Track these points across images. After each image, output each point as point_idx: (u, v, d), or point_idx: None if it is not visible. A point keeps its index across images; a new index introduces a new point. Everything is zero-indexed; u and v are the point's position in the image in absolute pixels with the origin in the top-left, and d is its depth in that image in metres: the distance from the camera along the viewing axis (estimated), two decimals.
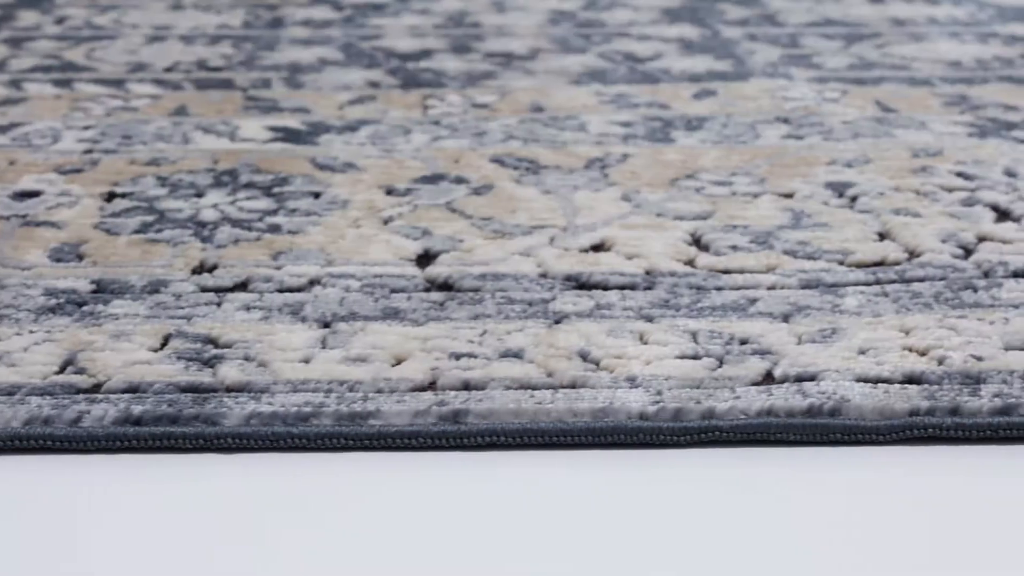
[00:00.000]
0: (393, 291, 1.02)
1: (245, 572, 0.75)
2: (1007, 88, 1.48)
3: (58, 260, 1.07)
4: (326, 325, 0.97)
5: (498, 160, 1.27)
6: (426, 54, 1.62)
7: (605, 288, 1.03)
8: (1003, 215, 1.16)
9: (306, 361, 0.92)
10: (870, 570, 0.76)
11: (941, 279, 1.03)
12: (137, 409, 0.86)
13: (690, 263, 1.07)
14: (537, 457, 0.85)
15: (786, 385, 0.89)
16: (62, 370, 0.91)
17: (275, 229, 1.13)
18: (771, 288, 1.03)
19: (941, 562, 0.76)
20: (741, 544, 0.77)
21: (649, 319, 0.98)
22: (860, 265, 1.06)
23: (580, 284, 1.04)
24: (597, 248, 1.10)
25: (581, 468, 0.84)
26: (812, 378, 0.90)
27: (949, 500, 0.82)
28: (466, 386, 0.89)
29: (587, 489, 0.82)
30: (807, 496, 0.82)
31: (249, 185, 1.22)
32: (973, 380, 0.89)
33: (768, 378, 0.90)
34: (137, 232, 1.12)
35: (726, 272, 1.05)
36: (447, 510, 0.80)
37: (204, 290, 1.02)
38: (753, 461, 0.85)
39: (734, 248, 1.09)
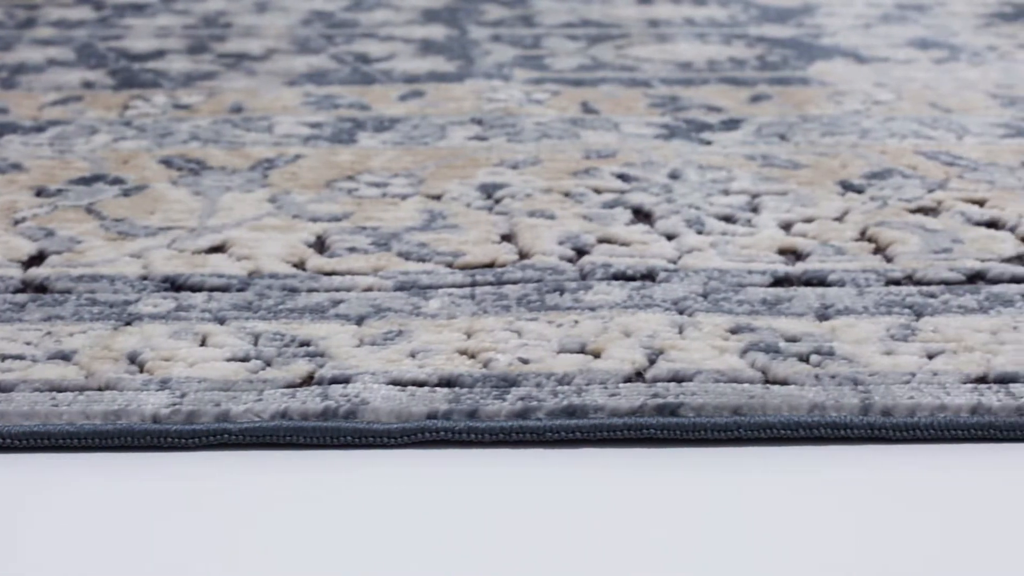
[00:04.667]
0: None
1: None
2: (722, 89, 1.48)
3: None
4: None
5: (167, 161, 1.27)
6: (159, 54, 1.61)
7: (199, 290, 1.02)
8: (644, 217, 1.15)
9: None
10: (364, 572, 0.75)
11: (537, 281, 1.03)
12: None
13: (300, 265, 1.06)
14: (54, 460, 0.85)
15: (315, 387, 0.88)
16: None
17: None
18: (367, 290, 1.02)
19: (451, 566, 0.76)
20: (222, 548, 0.77)
21: (221, 321, 0.97)
22: (466, 267, 1.06)
23: (176, 286, 1.03)
24: (216, 250, 1.09)
25: (92, 470, 0.84)
26: (346, 380, 0.89)
27: (461, 503, 0.81)
28: None
29: (91, 491, 0.82)
30: (307, 499, 0.81)
31: None
32: (508, 383, 0.89)
33: (308, 380, 0.90)
34: None
35: (330, 274, 1.05)
36: None
37: None
38: (267, 464, 0.84)
39: (352, 250, 1.08)
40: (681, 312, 0.98)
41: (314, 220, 1.14)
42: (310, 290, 1.02)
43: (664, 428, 0.85)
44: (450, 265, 1.06)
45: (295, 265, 1.06)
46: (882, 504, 0.81)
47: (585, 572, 0.75)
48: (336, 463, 0.85)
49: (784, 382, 0.90)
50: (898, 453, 0.86)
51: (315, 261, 1.07)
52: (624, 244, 1.09)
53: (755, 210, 1.17)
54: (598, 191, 1.20)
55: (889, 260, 1.07)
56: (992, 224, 1.14)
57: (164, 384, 0.89)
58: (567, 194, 1.19)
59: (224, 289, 1.02)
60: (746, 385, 0.89)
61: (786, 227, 1.13)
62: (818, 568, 0.75)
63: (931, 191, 1.20)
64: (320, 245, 1.10)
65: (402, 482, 0.83)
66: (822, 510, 0.81)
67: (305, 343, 0.94)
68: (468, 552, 0.77)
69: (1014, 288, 1.02)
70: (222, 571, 0.75)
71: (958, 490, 0.82)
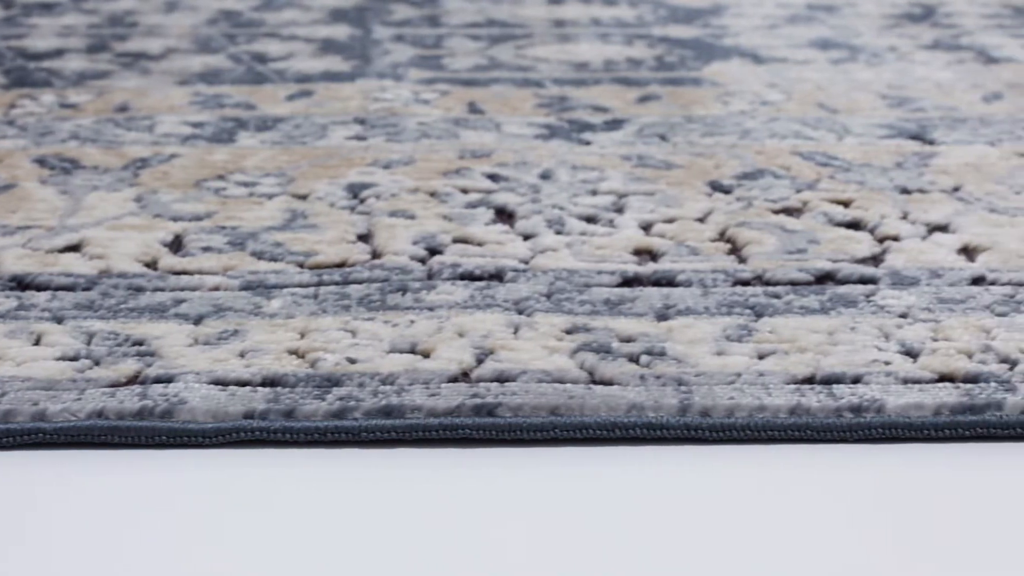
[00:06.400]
0: None
1: None
2: (613, 90, 1.48)
3: None
4: None
5: (40, 160, 1.27)
6: (57, 53, 1.61)
7: (46, 289, 1.02)
8: (507, 217, 1.15)
9: None
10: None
11: (383, 281, 1.03)
12: None
13: (152, 264, 1.06)
14: None
15: (136, 387, 0.88)
16: None
17: None
18: (214, 289, 1.02)
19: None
20: (27, 549, 0.77)
21: (60, 320, 0.97)
22: (317, 267, 1.06)
23: (23, 285, 1.03)
24: (72, 249, 1.09)
25: None
26: (169, 380, 0.89)
27: (271, 504, 0.81)
28: None
29: None
30: (118, 499, 0.82)
31: None
32: (331, 383, 0.89)
33: (134, 379, 0.90)
34: None
35: (180, 273, 1.05)
36: None
37: None
38: (83, 464, 0.85)
39: (206, 249, 1.08)
40: (521, 312, 0.98)
41: (175, 219, 1.14)
42: (156, 289, 1.02)
43: (480, 428, 0.86)
44: (301, 265, 1.06)
45: (147, 264, 1.06)
46: (691, 504, 0.81)
47: (392, 572, 0.75)
48: (153, 463, 0.85)
49: (610, 382, 0.90)
50: (716, 454, 0.87)
51: (167, 261, 1.07)
52: (479, 244, 1.09)
53: (620, 210, 1.17)
54: (465, 191, 1.20)
55: (743, 260, 1.08)
56: (853, 225, 1.14)
57: None
58: (433, 194, 1.19)
59: (71, 288, 1.02)
60: (568, 385, 0.89)
61: (646, 227, 1.13)
62: (626, 568, 0.76)
63: (799, 191, 1.20)
64: (177, 244, 1.10)
65: (216, 482, 0.83)
66: (633, 510, 0.81)
67: (139, 342, 0.94)
68: (271, 553, 0.77)
69: (859, 289, 1.03)
70: (27, 571, 0.75)
71: (770, 490, 0.83)
